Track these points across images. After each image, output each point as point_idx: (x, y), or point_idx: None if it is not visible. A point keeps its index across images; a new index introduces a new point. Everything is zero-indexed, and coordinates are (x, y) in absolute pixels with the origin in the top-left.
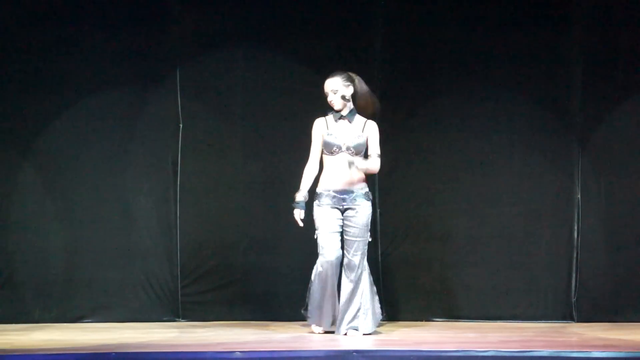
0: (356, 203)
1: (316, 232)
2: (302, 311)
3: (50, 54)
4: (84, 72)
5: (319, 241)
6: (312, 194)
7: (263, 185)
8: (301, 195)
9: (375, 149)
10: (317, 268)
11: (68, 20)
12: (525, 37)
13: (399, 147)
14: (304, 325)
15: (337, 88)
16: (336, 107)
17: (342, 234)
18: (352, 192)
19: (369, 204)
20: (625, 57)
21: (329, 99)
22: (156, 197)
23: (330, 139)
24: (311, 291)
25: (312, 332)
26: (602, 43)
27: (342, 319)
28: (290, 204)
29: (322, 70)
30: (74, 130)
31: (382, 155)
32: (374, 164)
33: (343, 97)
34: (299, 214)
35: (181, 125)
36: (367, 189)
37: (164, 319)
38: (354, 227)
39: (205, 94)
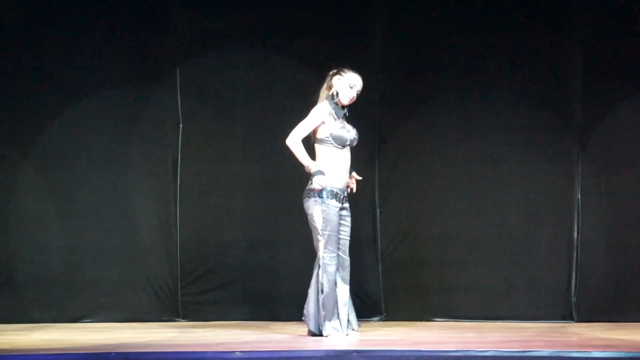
0: (346, 202)
1: (325, 232)
2: (326, 329)
3: (50, 54)
4: (84, 72)
5: (332, 244)
6: (303, 189)
7: (263, 185)
8: (317, 164)
9: None
10: (328, 273)
11: (68, 20)
12: (526, 38)
13: (399, 147)
14: (304, 325)
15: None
16: (348, 103)
17: None
18: (344, 190)
19: None
20: (625, 57)
21: (352, 95)
22: (156, 197)
23: (343, 133)
24: (325, 302)
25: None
26: (602, 43)
27: (349, 319)
28: (313, 174)
29: (322, 70)
30: (74, 130)
31: (382, 155)
32: None
33: None
34: (324, 180)
35: (181, 125)
36: None
37: (164, 319)
38: (348, 226)
39: (205, 94)
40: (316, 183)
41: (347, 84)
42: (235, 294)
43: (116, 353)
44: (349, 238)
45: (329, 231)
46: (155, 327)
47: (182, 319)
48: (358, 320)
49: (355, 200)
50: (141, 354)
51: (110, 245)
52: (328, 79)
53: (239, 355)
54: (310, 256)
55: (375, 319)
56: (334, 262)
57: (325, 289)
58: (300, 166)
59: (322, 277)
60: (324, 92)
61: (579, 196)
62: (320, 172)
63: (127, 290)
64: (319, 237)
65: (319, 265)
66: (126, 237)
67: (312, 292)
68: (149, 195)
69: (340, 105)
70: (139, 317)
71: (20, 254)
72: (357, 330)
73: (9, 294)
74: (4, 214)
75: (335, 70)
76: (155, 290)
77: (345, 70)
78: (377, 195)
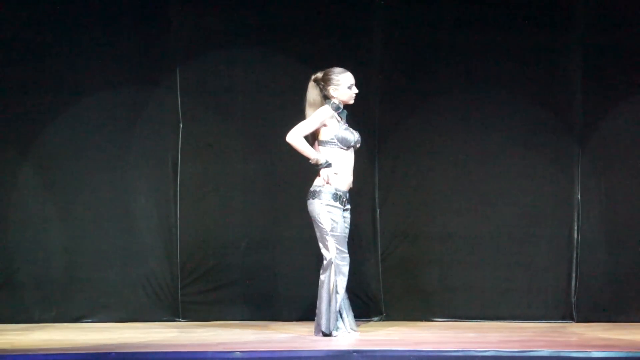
0: (348, 204)
1: (333, 234)
2: (336, 329)
3: (50, 54)
4: (84, 72)
5: (339, 245)
6: (304, 189)
7: (263, 185)
8: (323, 155)
9: None
10: (343, 274)
11: (68, 20)
12: (525, 37)
13: (399, 147)
14: (304, 325)
15: None
16: (352, 102)
17: None
18: (347, 192)
19: None
20: (625, 57)
21: (355, 92)
22: (156, 197)
23: (347, 134)
24: (332, 303)
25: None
26: (602, 43)
27: (348, 319)
28: (321, 166)
29: (322, 70)
30: (74, 130)
31: (382, 155)
32: None
33: None
34: (331, 173)
35: (181, 125)
36: None
37: (164, 319)
38: (347, 228)
39: (205, 94)
40: (324, 174)
41: (345, 87)
42: (235, 294)
43: (116, 353)
44: (346, 240)
45: (337, 232)
46: (155, 327)
47: (182, 319)
48: (358, 320)
49: (355, 200)
50: (141, 354)
51: (110, 245)
52: (314, 89)
53: (239, 355)
54: (310, 256)
55: (375, 319)
56: (347, 261)
57: (341, 290)
58: (301, 165)
59: (337, 279)
60: (313, 106)
61: (579, 196)
62: (329, 164)
63: (127, 290)
64: (327, 239)
65: (330, 266)
66: (126, 237)
67: (324, 292)
68: (149, 195)
69: (343, 106)
70: (139, 317)
71: (20, 254)
72: (356, 331)
73: (9, 294)
74: (4, 214)
75: (319, 77)
76: (155, 290)
77: (332, 76)
78: (377, 195)
